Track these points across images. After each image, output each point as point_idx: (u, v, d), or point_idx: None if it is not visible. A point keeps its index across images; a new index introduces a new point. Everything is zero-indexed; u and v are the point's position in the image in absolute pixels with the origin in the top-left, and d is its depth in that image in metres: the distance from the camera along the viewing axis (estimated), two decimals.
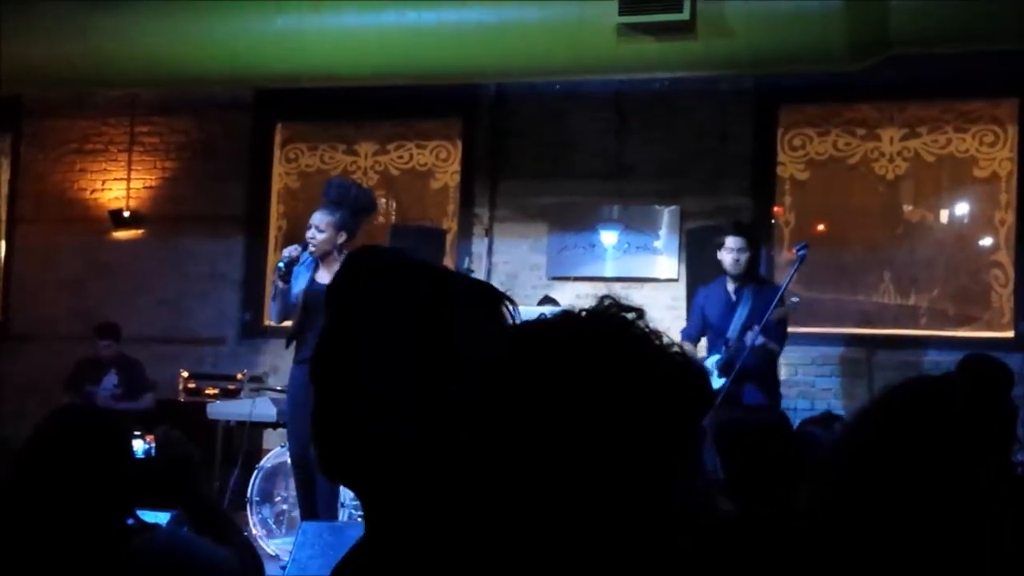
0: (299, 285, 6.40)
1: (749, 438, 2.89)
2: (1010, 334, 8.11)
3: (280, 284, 6.41)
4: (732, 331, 6.77)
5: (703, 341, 7.23)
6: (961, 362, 1.62)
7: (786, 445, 2.95)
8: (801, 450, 2.96)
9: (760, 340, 6.63)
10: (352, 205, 6.44)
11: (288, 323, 6.54)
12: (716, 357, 6.83)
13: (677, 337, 7.08)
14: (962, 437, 1.30)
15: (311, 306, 6.35)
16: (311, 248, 6.38)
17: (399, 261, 1.25)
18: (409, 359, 1.19)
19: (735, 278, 6.90)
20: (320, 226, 6.34)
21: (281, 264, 6.39)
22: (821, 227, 8.78)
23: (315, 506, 6.33)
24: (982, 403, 1.39)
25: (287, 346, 6.56)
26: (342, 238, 6.37)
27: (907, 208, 8.66)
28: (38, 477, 2.31)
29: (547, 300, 8.31)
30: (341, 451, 1.23)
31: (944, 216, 8.64)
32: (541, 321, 1.31)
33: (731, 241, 6.88)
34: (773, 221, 8.55)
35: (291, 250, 6.43)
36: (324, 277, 6.40)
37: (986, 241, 8.39)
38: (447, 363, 1.19)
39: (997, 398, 1.44)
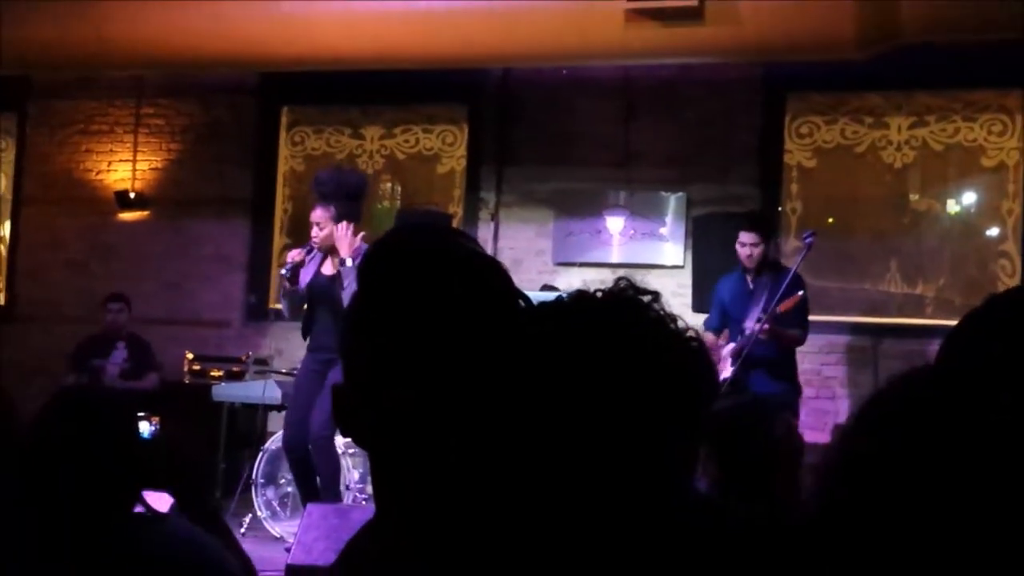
0: (306, 279, 6.48)
1: (721, 424, 2.88)
2: None
3: (287, 285, 6.48)
4: (749, 320, 6.79)
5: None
6: None
7: (753, 431, 2.93)
8: (775, 436, 2.94)
9: (759, 327, 6.64)
10: (343, 193, 6.49)
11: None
12: (732, 345, 6.87)
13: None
14: (968, 429, 1.29)
15: (316, 296, 6.42)
16: (315, 246, 6.46)
17: (422, 243, 1.27)
18: (427, 339, 1.20)
19: (750, 269, 6.92)
20: (320, 223, 6.42)
21: (284, 272, 6.48)
22: (829, 218, 8.75)
23: (315, 490, 6.35)
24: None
25: (305, 337, 6.63)
26: (345, 227, 6.39)
27: (914, 197, 8.65)
28: (44, 461, 2.29)
29: (547, 288, 8.30)
30: (358, 416, 1.25)
31: (951, 205, 8.63)
32: (557, 302, 1.31)
33: (744, 236, 6.91)
34: (780, 209, 8.54)
35: (293, 255, 6.52)
36: (329, 268, 6.46)
37: (993, 231, 8.38)
38: (463, 342, 1.20)
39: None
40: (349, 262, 6.24)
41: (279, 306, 6.88)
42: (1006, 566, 1.04)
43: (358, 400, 1.23)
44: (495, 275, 1.30)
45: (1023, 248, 8.14)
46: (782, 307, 6.66)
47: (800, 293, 6.72)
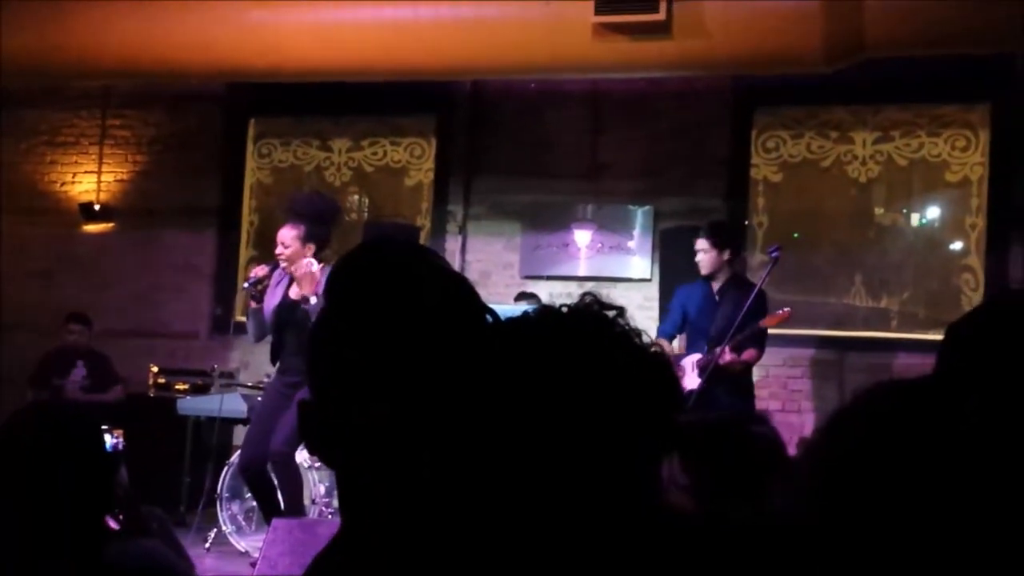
0: (273, 302, 6.44)
1: (706, 437, 2.89)
2: None
3: (253, 304, 6.45)
4: (715, 330, 6.82)
5: (679, 339, 7.32)
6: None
7: (743, 444, 2.94)
8: (760, 450, 2.96)
9: (728, 357, 6.70)
10: (315, 216, 6.46)
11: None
12: (697, 356, 6.89)
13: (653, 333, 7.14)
14: (939, 442, 1.29)
15: (283, 320, 6.37)
16: (282, 264, 6.41)
17: (385, 258, 1.25)
18: (393, 353, 1.18)
19: (711, 278, 6.97)
20: (285, 241, 6.40)
21: (246, 285, 6.45)
22: (795, 232, 8.79)
23: (277, 507, 6.31)
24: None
25: (273, 362, 6.59)
26: (310, 250, 6.37)
27: (879, 211, 8.70)
28: (8, 475, 2.24)
29: (525, 296, 8.31)
30: (326, 431, 1.22)
31: (916, 219, 8.69)
32: (523, 317, 1.31)
33: (698, 243, 7.01)
34: (747, 222, 8.58)
35: (257, 271, 6.49)
36: (296, 293, 6.43)
37: (957, 245, 8.44)
38: (428, 358, 1.18)
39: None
40: (313, 299, 6.19)
41: (243, 319, 6.83)
42: (975, 567, 1.04)
43: (327, 415, 1.22)
44: (461, 290, 1.29)
45: (986, 262, 8.21)
46: (765, 323, 6.78)
47: (787, 310, 6.82)
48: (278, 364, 6.53)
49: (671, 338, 7.20)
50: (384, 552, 1.20)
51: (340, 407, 1.20)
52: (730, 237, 7.21)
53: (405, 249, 1.37)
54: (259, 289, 6.46)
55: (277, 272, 6.51)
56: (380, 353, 1.18)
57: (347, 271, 1.27)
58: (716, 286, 7.02)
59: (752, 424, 3.06)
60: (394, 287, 1.22)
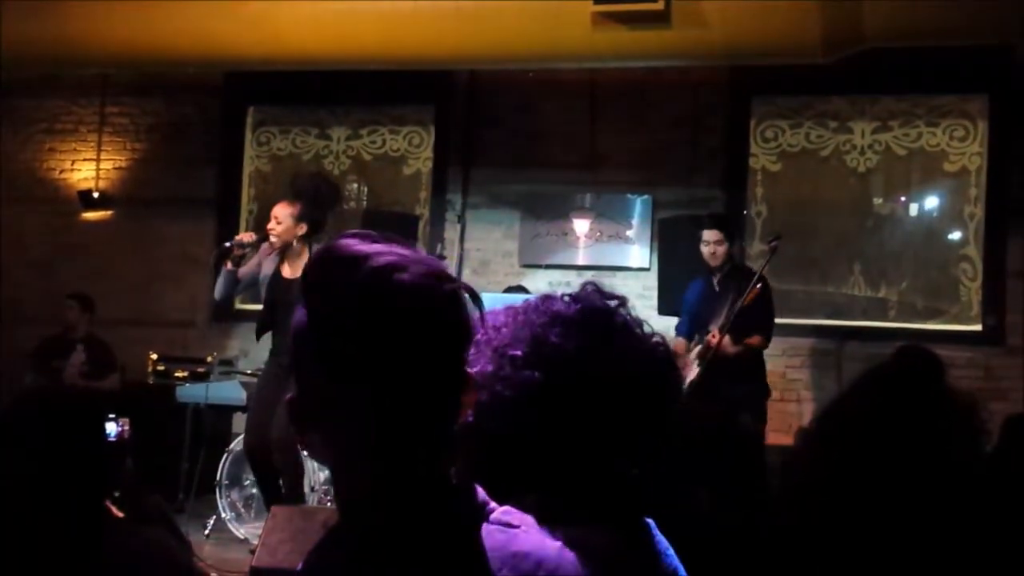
0: (262, 272, 6.45)
1: (700, 428, 2.91)
2: (978, 327, 8.17)
3: (228, 265, 6.45)
4: (715, 322, 6.78)
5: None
6: (894, 354, 1.61)
7: (734, 435, 2.97)
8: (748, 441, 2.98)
9: (715, 341, 6.68)
10: (313, 197, 6.47)
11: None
12: (698, 348, 6.86)
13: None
14: (901, 428, 1.30)
15: (277, 300, 6.37)
16: (272, 239, 6.42)
17: (353, 252, 1.22)
18: (377, 341, 1.16)
19: (715, 270, 6.94)
20: (279, 217, 6.42)
21: (227, 244, 6.45)
22: (792, 222, 8.79)
23: (278, 493, 6.32)
24: (912, 395, 1.38)
25: (258, 338, 6.59)
26: (302, 230, 6.38)
27: (877, 201, 8.71)
28: (7, 463, 2.24)
29: (513, 289, 8.31)
30: (313, 420, 1.22)
31: (914, 209, 8.69)
32: (524, 304, 1.31)
33: (707, 234, 6.94)
34: (745, 212, 8.58)
35: (244, 236, 6.53)
36: (288, 272, 6.42)
37: (955, 235, 8.45)
38: (414, 347, 1.17)
39: (927, 390, 1.43)
40: None
41: (243, 307, 6.83)
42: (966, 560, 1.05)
43: (311, 407, 1.20)
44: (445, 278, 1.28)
45: (984, 252, 8.22)
46: (744, 301, 6.72)
47: (758, 286, 6.76)
48: (272, 344, 6.52)
49: (689, 337, 7.11)
50: (380, 545, 1.20)
51: (325, 396, 1.19)
52: (737, 229, 7.19)
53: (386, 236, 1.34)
54: (239, 254, 6.46)
55: (265, 246, 6.53)
56: (364, 341, 1.16)
57: (324, 264, 1.25)
58: (717, 278, 6.99)
59: (742, 416, 3.08)
60: (376, 275, 1.20)
